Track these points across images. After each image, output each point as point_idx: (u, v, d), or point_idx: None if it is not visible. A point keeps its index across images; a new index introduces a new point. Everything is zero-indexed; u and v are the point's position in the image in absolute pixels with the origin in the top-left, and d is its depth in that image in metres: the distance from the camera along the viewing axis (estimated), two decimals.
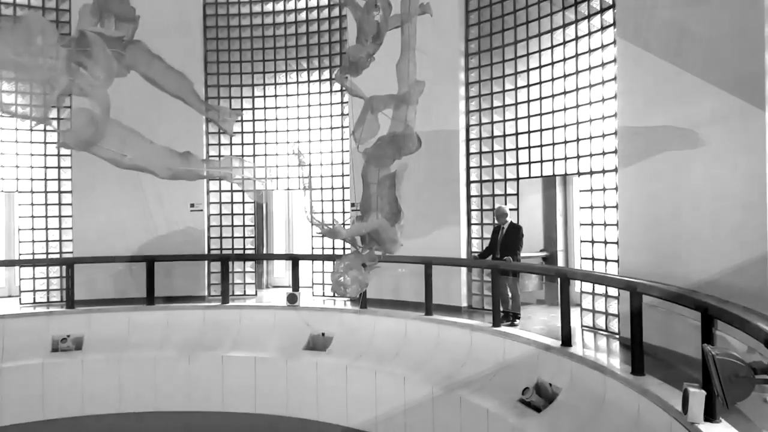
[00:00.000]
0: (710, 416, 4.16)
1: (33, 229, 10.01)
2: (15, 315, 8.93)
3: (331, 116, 10.30)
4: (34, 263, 9.90)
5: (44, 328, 8.69)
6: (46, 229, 10.10)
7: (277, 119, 10.57)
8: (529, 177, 8.45)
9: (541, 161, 8.16)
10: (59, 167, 10.15)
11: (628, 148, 6.62)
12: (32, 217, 10.01)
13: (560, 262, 9.27)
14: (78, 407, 8.29)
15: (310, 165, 4.27)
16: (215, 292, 10.12)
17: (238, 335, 8.81)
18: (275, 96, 10.58)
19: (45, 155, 10.10)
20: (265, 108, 10.60)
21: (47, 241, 10.09)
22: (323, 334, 8.42)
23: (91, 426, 8.31)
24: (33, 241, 10.01)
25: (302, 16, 10.45)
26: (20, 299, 9.87)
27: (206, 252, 10.39)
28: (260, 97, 10.60)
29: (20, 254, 10.05)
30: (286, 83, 10.54)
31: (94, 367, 8.38)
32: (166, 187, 8.94)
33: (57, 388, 8.24)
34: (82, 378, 8.33)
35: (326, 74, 10.33)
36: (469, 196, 9.02)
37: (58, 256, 10.05)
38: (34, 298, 9.89)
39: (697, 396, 4.17)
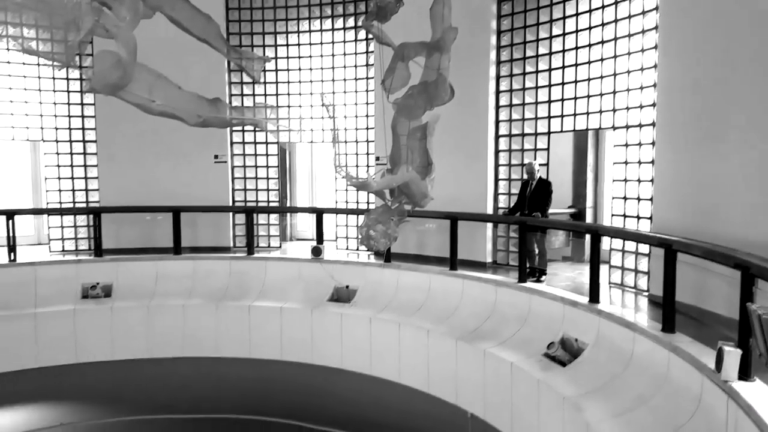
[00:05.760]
0: (744, 375, 4.09)
1: (59, 178, 10.10)
2: (46, 262, 9.11)
3: (356, 66, 10.03)
4: (61, 212, 10.03)
5: (74, 275, 8.88)
6: (72, 178, 10.18)
7: (300, 69, 10.33)
8: (561, 131, 8.20)
9: (575, 114, 7.88)
10: (83, 116, 10.12)
11: (668, 101, 6.34)
12: (58, 166, 10.08)
13: (588, 219, 9.11)
14: (108, 352, 8.54)
15: (334, 117, 4.09)
16: (240, 244, 10.22)
17: (264, 286, 8.91)
18: (298, 45, 10.30)
19: (69, 104, 10.06)
20: (288, 57, 10.35)
21: (74, 190, 10.19)
22: (347, 287, 8.47)
23: (122, 369, 8.58)
24: (60, 190, 10.11)
25: None
26: (50, 247, 10.07)
27: (230, 204, 10.42)
28: (283, 45, 10.33)
29: (48, 203, 10.19)
30: (310, 31, 10.24)
31: (123, 314, 8.58)
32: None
33: (88, 334, 8.47)
34: (111, 324, 8.55)
35: (352, 21, 10.01)
36: (497, 151, 8.81)
37: (84, 204, 10.17)
38: (63, 246, 10.08)
39: (733, 354, 4.09)
